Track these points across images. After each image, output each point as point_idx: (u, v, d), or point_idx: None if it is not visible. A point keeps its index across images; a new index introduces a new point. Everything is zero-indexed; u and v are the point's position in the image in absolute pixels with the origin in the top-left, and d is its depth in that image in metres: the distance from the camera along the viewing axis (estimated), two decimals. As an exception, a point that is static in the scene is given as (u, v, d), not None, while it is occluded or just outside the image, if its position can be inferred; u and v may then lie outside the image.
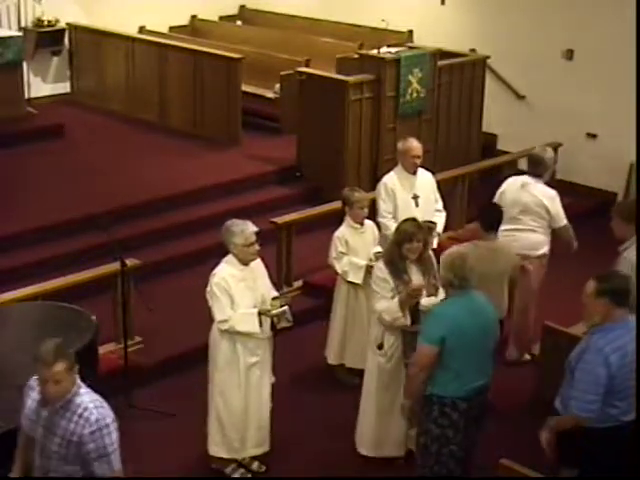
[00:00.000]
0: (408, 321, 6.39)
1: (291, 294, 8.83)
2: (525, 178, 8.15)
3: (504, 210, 7.60)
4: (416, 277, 6.52)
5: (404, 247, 6.46)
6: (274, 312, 6.44)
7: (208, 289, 6.40)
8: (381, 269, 6.52)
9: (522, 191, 8.03)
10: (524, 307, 8.11)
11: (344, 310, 7.72)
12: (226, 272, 6.36)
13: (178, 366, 7.87)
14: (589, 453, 5.49)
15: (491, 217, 7.28)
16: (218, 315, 6.34)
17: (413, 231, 6.46)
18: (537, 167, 8.09)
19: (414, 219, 6.75)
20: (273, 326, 6.57)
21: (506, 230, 7.78)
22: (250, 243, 6.36)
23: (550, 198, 8.00)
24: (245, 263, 6.42)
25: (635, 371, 5.35)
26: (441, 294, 6.38)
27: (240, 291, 6.36)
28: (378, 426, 6.72)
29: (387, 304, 6.43)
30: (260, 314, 6.38)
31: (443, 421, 5.87)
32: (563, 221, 8.04)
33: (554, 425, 5.50)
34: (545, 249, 8.07)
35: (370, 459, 6.83)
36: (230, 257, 6.43)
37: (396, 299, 6.40)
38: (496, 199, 8.14)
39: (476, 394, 5.87)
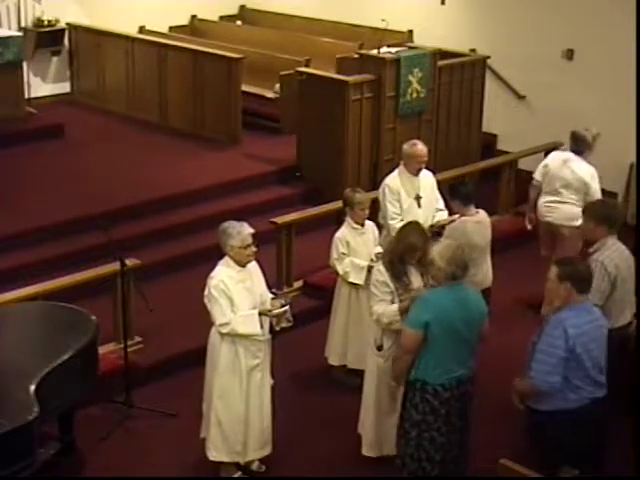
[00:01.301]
0: None
1: (291, 294, 8.84)
2: (568, 154, 8.74)
3: (546, 182, 8.68)
4: (415, 279, 6.52)
5: (406, 256, 6.47)
6: (275, 312, 6.42)
7: (206, 292, 6.36)
8: (381, 272, 6.51)
9: (564, 167, 8.64)
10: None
11: (345, 311, 7.71)
12: (224, 274, 6.33)
13: (178, 366, 7.87)
14: (557, 434, 5.68)
15: (465, 192, 7.66)
16: (219, 318, 6.29)
17: (419, 245, 6.46)
18: (579, 144, 8.68)
19: (418, 224, 6.76)
20: (271, 328, 6.55)
21: (547, 202, 8.73)
22: (247, 245, 6.33)
23: (590, 174, 8.58)
24: (242, 265, 6.39)
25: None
26: None
27: (239, 293, 6.33)
28: (378, 426, 6.73)
29: (385, 307, 6.44)
30: (260, 315, 6.36)
31: (424, 407, 6.02)
32: (599, 196, 8.53)
33: (516, 386, 5.84)
34: (581, 221, 8.51)
35: (370, 459, 6.83)
36: (227, 259, 6.39)
37: (396, 305, 6.41)
38: (539, 172, 8.88)
39: (457, 384, 6.01)
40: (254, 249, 6.40)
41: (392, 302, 6.45)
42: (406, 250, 6.46)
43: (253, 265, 6.52)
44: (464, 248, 6.06)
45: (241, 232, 6.32)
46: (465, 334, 5.93)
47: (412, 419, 6.10)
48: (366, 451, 6.85)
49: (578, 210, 8.41)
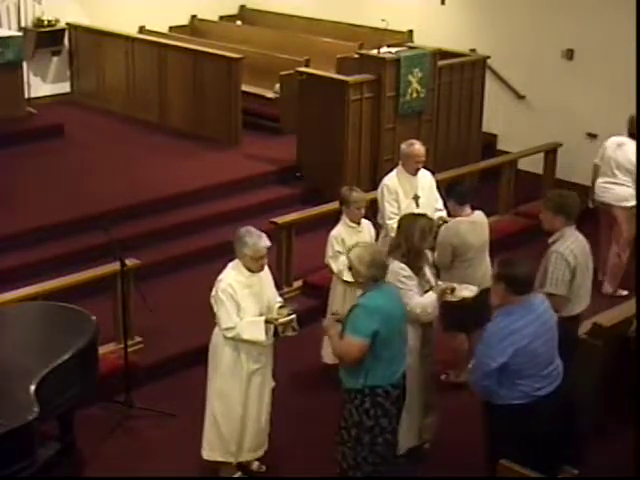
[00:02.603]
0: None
1: (291, 294, 8.85)
2: (622, 138, 9.29)
3: (602, 164, 9.22)
4: (426, 270, 6.64)
5: (422, 242, 6.49)
6: (282, 320, 6.39)
7: (213, 294, 6.34)
8: (403, 268, 6.44)
9: (618, 150, 9.21)
10: (619, 251, 9.35)
11: (340, 310, 7.69)
12: (232, 278, 6.30)
13: (178, 366, 7.88)
14: (504, 427, 5.67)
15: (460, 192, 7.68)
16: (224, 322, 6.27)
17: (430, 227, 6.56)
18: (633, 128, 9.14)
19: (416, 213, 6.78)
20: (275, 332, 6.54)
21: (602, 182, 9.28)
22: (259, 257, 6.30)
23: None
24: (252, 271, 6.38)
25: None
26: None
27: (246, 297, 6.30)
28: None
29: (425, 298, 6.43)
30: (267, 322, 6.34)
31: (377, 411, 5.92)
32: None
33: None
34: (634, 202, 9.14)
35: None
36: (237, 263, 6.36)
37: (433, 295, 6.42)
38: (599, 154, 9.39)
39: (403, 378, 6.03)
40: (265, 261, 6.38)
41: (419, 294, 6.45)
42: (420, 236, 6.45)
43: (264, 270, 6.49)
44: (381, 249, 6.01)
45: (257, 244, 6.26)
46: (403, 327, 6.00)
47: (364, 425, 5.95)
48: None
49: (629, 191, 9.12)
